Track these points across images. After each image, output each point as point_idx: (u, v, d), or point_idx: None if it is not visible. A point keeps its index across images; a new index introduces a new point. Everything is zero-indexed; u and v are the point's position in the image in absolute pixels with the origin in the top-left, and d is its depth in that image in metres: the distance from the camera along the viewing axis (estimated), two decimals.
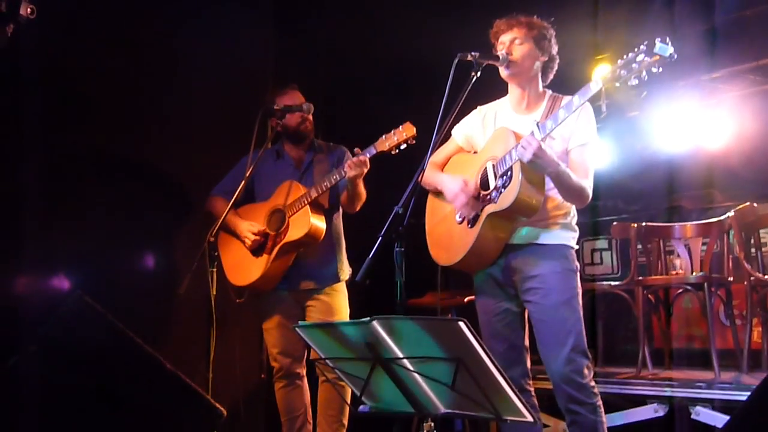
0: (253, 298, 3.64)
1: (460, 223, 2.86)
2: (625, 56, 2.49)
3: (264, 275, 3.48)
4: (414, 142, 3.32)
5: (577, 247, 2.91)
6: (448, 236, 2.92)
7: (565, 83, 3.02)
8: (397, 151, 3.36)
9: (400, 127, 3.36)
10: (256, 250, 3.54)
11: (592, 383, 2.74)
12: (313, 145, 3.76)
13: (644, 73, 2.46)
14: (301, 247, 3.52)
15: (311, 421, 3.63)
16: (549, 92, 2.93)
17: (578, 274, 2.86)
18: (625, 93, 5.28)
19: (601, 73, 2.62)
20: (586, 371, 2.73)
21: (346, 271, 3.69)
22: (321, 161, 3.70)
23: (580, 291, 2.83)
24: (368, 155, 3.37)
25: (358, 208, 3.58)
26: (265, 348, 3.81)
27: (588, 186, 2.77)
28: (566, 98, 2.82)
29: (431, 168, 3.06)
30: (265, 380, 4.16)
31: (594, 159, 2.84)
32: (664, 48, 2.37)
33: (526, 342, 2.92)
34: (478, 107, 3.09)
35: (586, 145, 2.81)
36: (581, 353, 2.74)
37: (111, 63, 3.85)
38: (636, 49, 2.45)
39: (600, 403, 2.75)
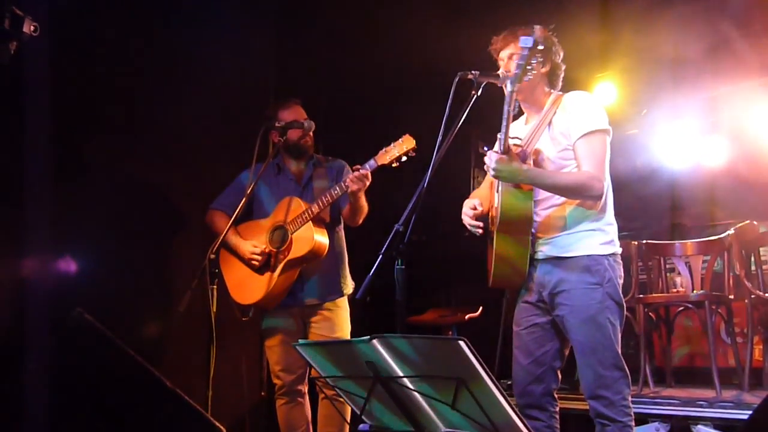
0: (255, 316, 3.63)
1: (489, 244, 2.87)
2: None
3: (269, 293, 3.48)
4: (414, 154, 3.32)
5: (610, 251, 2.75)
6: (488, 259, 2.92)
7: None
8: (398, 164, 3.37)
9: (400, 139, 3.36)
10: (260, 268, 3.54)
11: (626, 401, 2.65)
12: (313, 159, 3.77)
13: (530, 66, 2.55)
14: (305, 262, 3.52)
15: None
16: (554, 93, 2.88)
17: (609, 284, 2.68)
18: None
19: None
20: (617, 387, 2.64)
21: (349, 285, 3.70)
22: (320, 176, 3.71)
23: (611, 303, 2.68)
24: (369, 169, 3.38)
25: (360, 222, 3.59)
26: (266, 365, 3.80)
27: (593, 176, 2.66)
28: (566, 95, 2.83)
29: (472, 196, 3.06)
30: (266, 398, 4.15)
31: (601, 147, 2.72)
32: (526, 41, 2.51)
33: (557, 362, 2.82)
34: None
35: (589, 134, 2.71)
36: (611, 368, 2.64)
37: (114, 78, 3.87)
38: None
39: (631, 423, 2.65)
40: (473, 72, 2.72)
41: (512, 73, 2.60)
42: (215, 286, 3.24)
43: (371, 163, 3.39)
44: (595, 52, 4.99)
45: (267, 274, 3.50)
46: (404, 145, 3.34)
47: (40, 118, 3.45)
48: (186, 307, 3.15)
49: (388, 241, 2.44)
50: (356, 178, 3.36)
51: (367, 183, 3.39)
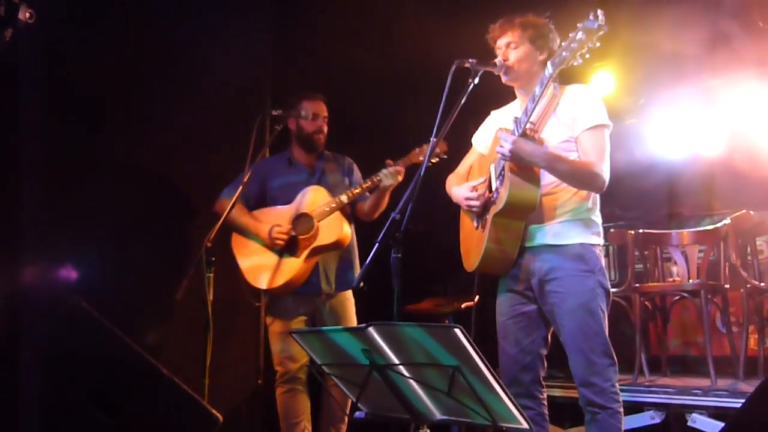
0: (268, 301, 3.64)
1: (476, 228, 2.86)
2: (567, 38, 2.56)
3: (291, 279, 3.51)
4: (446, 156, 3.40)
5: (598, 242, 2.80)
6: (471, 242, 2.92)
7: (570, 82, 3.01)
8: (429, 163, 3.45)
9: (433, 140, 3.44)
10: (281, 253, 3.55)
11: (615, 387, 2.67)
12: (322, 154, 3.82)
13: (585, 49, 2.53)
14: (326, 251, 3.59)
15: (310, 428, 3.63)
16: (554, 84, 2.86)
17: (600, 272, 2.73)
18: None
19: (549, 59, 2.66)
20: (607, 375, 2.66)
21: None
22: (332, 170, 3.78)
23: (601, 291, 2.72)
24: (402, 166, 3.50)
25: (376, 217, 3.67)
26: (263, 353, 3.81)
27: (599, 168, 2.68)
28: (569, 87, 2.83)
29: (452, 179, 3.11)
30: (263, 386, 4.15)
31: (604, 141, 2.75)
32: (593, 23, 2.46)
33: (543, 350, 2.84)
34: (492, 112, 3.10)
35: (594, 127, 2.73)
36: (602, 356, 2.67)
37: (110, 66, 3.85)
38: (575, 30, 2.52)
39: (620, 409, 2.68)
40: (470, 60, 2.72)
41: (559, 55, 2.57)
42: (212, 274, 3.24)
43: (404, 161, 3.52)
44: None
45: (289, 260, 3.53)
46: (437, 147, 3.45)
47: (35, 107, 3.44)
48: (183, 295, 3.15)
49: (384, 230, 2.44)
50: (391, 174, 3.47)
51: (400, 179, 3.51)
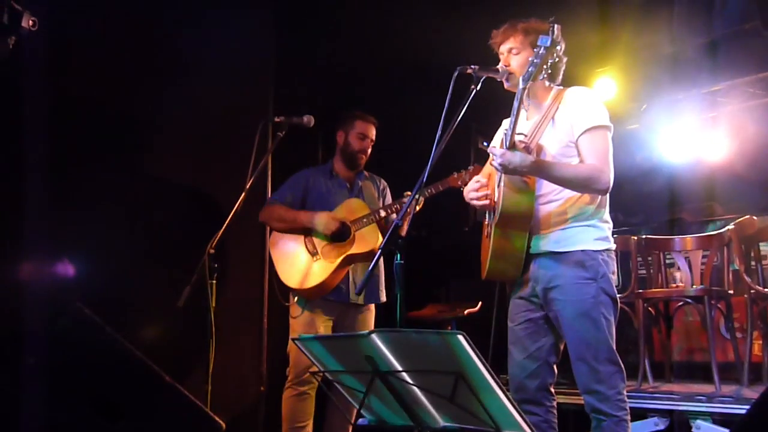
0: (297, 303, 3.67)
1: (487, 237, 2.87)
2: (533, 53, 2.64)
3: (324, 282, 3.58)
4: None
5: (604, 247, 2.75)
6: (484, 251, 2.94)
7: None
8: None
9: (471, 167, 3.62)
10: (317, 255, 3.64)
11: (621, 395, 2.64)
12: (362, 172, 3.95)
13: (547, 64, 2.60)
14: (359, 261, 3.68)
15: None
16: (555, 88, 2.88)
17: (603, 279, 2.69)
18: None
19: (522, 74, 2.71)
20: (612, 382, 2.64)
21: (384, 292, 3.84)
22: (369, 188, 3.90)
23: (605, 298, 2.68)
24: (440, 189, 3.62)
25: None
26: (266, 360, 3.81)
27: (599, 169, 2.67)
28: (568, 90, 2.83)
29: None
30: (265, 393, 4.15)
31: (605, 142, 2.72)
32: (545, 39, 2.57)
33: (552, 357, 2.82)
34: (503, 121, 3.10)
35: (592, 129, 2.71)
36: (606, 363, 2.64)
37: (113, 71, 3.86)
38: (537, 47, 2.60)
39: (627, 416, 2.65)
40: (472, 66, 2.72)
41: (526, 71, 2.62)
42: (214, 281, 3.24)
43: (439, 186, 3.61)
44: (595, 47, 4.98)
45: (323, 264, 3.61)
46: (475, 173, 3.51)
47: (39, 114, 3.44)
48: (185, 302, 3.15)
49: (387, 236, 2.44)
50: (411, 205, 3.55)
51: (418, 209, 3.56)
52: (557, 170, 2.68)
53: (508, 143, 2.64)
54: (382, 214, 3.66)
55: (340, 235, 3.64)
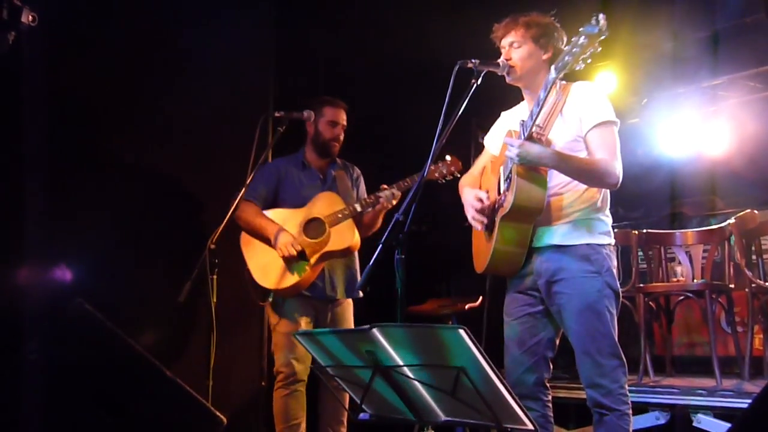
0: (273, 301, 3.64)
1: (486, 230, 2.85)
2: (570, 42, 2.54)
3: (300, 281, 3.52)
4: (460, 175, 3.38)
5: (607, 242, 2.76)
6: (480, 244, 2.91)
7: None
8: (443, 180, 3.59)
9: (448, 159, 3.57)
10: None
11: (623, 389, 2.65)
12: (335, 161, 3.86)
13: (585, 54, 2.50)
14: (335, 257, 3.62)
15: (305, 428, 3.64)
16: (559, 83, 2.82)
17: (607, 273, 2.70)
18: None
19: (554, 63, 2.62)
20: (615, 376, 2.64)
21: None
22: (343, 178, 3.81)
23: (609, 292, 2.69)
24: (400, 192, 3.55)
25: (369, 235, 3.73)
26: (266, 354, 3.81)
27: (611, 164, 2.66)
28: (574, 85, 2.81)
29: (464, 180, 3.10)
30: (266, 388, 4.15)
31: (614, 137, 2.72)
32: (592, 28, 2.43)
33: (549, 352, 2.82)
34: (502, 114, 3.09)
35: (601, 124, 2.71)
36: (609, 357, 2.64)
37: (113, 68, 3.85)
38: (578, 34, 2.48)
39: (629, 411, 2.66)
40: (473, 60, 2.70)
41: (561, 60, 2.53)
42: (215, 276, 3.24)
43: (421, 175, 3.51)
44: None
45: (301, 263, 3.54)
46: (452, 166, 3.57)
47: (38, 110, 3.44)
48: (186, 298, 3.15)
49: (387, 231, 2.44)
50: (386, 197, 3.54)
51: (395, 203, 3.57)
52: (574, 163, 2.67)
53: (526, 134, 2.63)
54: (358, 209, 3.58)
55: (316, 232, 3.56)
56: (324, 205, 3.62)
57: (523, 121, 2.70)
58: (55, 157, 3.51)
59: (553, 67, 2.60)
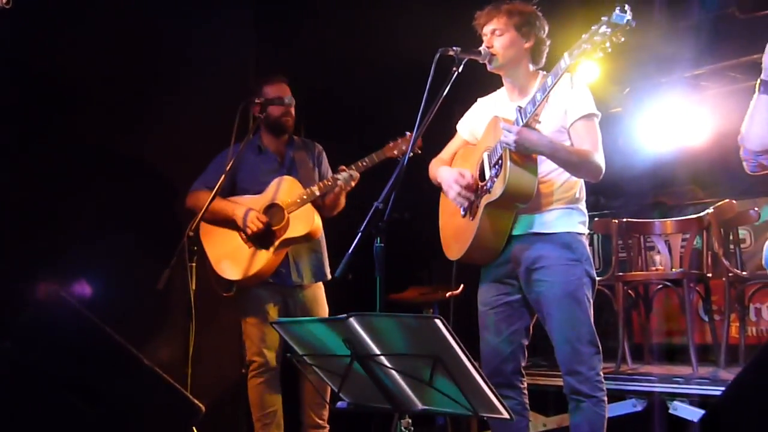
0: (238, 292, 3.61)
1: (464, 216, 2.84)
2: (589, 30, 2.47)
3: (261, 270, 3.48)
4: (420, 152, 3.31)
5: (586, 232, 2.81)
6: (455, 230, 2.90)
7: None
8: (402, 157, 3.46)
9: (407, 135, 3.47)
10: (251, 242, 3.52)
11: (599, 376, 2.69)
12: (292, 140, 3.77)
13: (607, 44, 2.44)
14: (297, 243, 3.56)
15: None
16: (542, 73, 2.86)
17: (586, 261, 2.75)
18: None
19: (568, 50, 2.58)
20: (592, 363, 2.68)
21: (329, 269, 3.75)
22: (303, 158, 3.72)
23: (587, 280, 2.73)
24: (358, 171, 3.49)
25: (334, 215, 3.69)
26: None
27: (597, 157, 2.69)
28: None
29: (435, 164, 3.07)
30: (246, 375, 4.14)
31: (597, 130, 2.75)
32: (621, 17, 2.38)
33: (524, 340, 2.85)
34: (478, 99, 3.08)
35: (586, 116, 2.74)
36: (587, 345, 2.68)
37: (90, 54, 3.81)
38: (598, 22, 2.43)
39: (605, 397, 2.70)
40: (454, 48, 2.70)
41: (578, 47, 2.47)
42: (194, 264, 3.21)
43: (372, 158, 3.49)
44: (578, 30, 4.95)
45: (259, 251, 3.50)
46: (408, 140, 3.41)
47: (10, 92, 3.39)
48: (164, 285, 3.13)
49: (367, 219, 2.43)
50: (345, 179, 3.48)
51: (353, 184, 3.51)
52: (566, 153, 2.68)
53: (524, 121, 2.62)
54: (317, 192, 3.50)
55: (275, 219, 3.51)
56: (282, 190, 3.56)
57: (520, 107, 2.67)
58: (27, 140, 3.46)
59: (566, 53, 2.54)
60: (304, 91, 3.87)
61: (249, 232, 3.47)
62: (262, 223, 3.47)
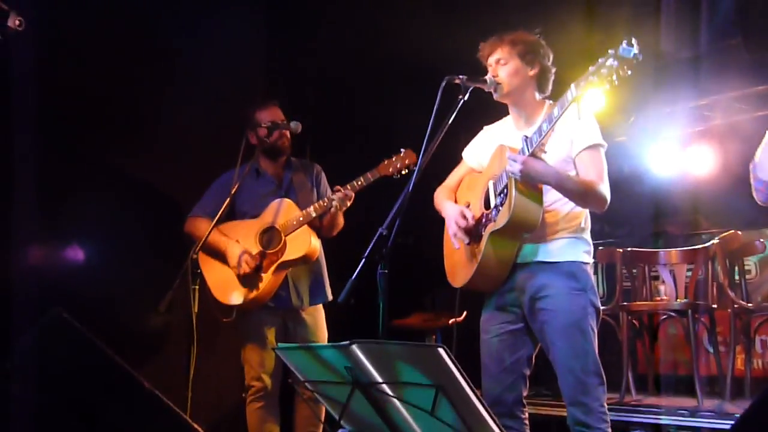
0: (237, 317, 3.59)
1: (468, 244, 2.83)
2: (596, 62, 2.47)
3: (259, 294, 3.47)
4: (415, 168, 3.31)
5: (591, 261, 2.80)
6: (459, 258, 2.89)
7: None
8: (398, 175, 3.48)
9: (402, 152, 3.45)
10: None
11: (603, 407, 2.65)
12: (290, 162, 3.78)
13: (614, 77, 2.43)
14: (295, 266, 3.55)
15: None
16: (548, 102, 2.87)
17: (591, 291, 2.73)
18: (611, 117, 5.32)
19: (575, 81, 2.57)
20: (596, 394, 2.64)
21: (329, 290, 3.72)
22: (301, 180, 3.73)
23: (592, 309, 2.70)
24: (353, 191, 3.48)
25: (334, 234, 3.66)
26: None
27: (603, 188, 2.68)
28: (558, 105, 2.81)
29: (441, 193, 3.07)
30: (246, 399, 4.12)
31: (603, 161, 2.75)
32: (628, 50, 2.38)
33: (527, 369, 2.82)
34: (485, 127, 3.08)
35: (592, 146, 2.73)
36: (592, 375, 2.65)
37: (101, 72, 3.84)
38: (606, 55, 2.44)
39: (608, 429, 2.66)
40: (460, 76, 2.71)
41: (585, 78, 2.47)
42: (197, 287, 3.22)
43: (372, 174, 3.47)
44: (583, 58, 4.98)
45: (258, 275, 3.48)
46: (406, 159, 3.45)
47: (28, 115, 3.41)
48: (167, 308, 3.12)
49: (371, 245, 2.43)
50: (340, 199, 3.45)
51: (349, 204, 3.49)
52: (572, 183, 2.68)
53: (530, 150, 2.62)
54: (313, 214, 3.49)
55: (271, 243, 3.50)
56: (279, 213, 3.55)
57: (526, 136, 2.66)
58: (44, 159, 3.48)
59: (573, 84, 2.54)
60: (312, 104, 3.89)
61: (241, 272, 3.47)
62: (252, 267, 3.45)
